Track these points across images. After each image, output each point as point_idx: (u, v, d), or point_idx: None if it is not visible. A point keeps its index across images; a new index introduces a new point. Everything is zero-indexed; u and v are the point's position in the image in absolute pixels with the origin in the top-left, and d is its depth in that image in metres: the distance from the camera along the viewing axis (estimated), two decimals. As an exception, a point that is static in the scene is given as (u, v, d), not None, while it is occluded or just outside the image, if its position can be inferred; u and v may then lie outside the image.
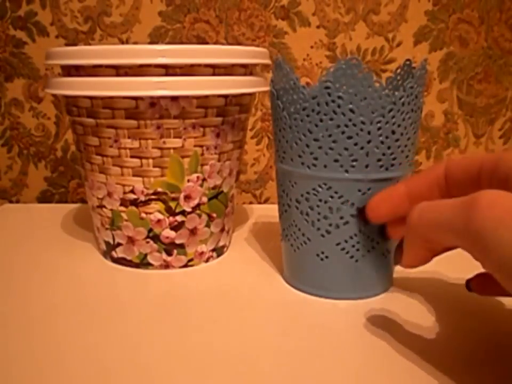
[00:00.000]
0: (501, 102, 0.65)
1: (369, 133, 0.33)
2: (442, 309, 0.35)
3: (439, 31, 0.62)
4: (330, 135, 0.33)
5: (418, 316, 0.34)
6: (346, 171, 0.33)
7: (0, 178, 0.65)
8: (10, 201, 0.66)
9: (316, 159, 0.34)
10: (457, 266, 0.38)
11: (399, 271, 0.39)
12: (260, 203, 0.67)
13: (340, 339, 0.31)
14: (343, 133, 0.33)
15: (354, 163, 0.33)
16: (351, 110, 0.32)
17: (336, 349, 0.30)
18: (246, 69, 0.40)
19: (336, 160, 0.33)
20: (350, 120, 0.32)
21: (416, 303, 0.36)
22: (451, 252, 0.30)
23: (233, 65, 0.38)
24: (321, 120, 0.33)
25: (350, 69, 0.32)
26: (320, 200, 0.34)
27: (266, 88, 0.41)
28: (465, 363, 0.28)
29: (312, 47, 0.61)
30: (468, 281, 0.33)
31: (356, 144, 0.33)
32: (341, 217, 0.34)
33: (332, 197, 0.34)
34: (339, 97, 0.32)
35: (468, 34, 0.62)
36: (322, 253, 0.35)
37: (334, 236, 0.35)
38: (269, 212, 0.58)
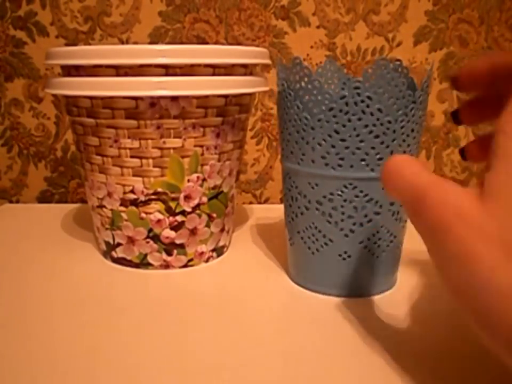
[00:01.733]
0: (501, 102, 0.65)
1: (394, 131, 0.33)
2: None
3: (439, 31, 0.62)
4: (358, 135, 0.33)
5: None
6: (372, 170, 0.34)
7: (0, 178, 0.65)
8: (10, 201, 0.66)
9: (342, 159, 0.33)
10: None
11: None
12: (259, 203, 0.67)
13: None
14: (370, 132, 0.33)
15: (379, 162, 0.33)
16: (379, 110, 0.32)
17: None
18: (246, 69, 0.40)
19: (362, 160, 0.33)
20: (378, 119, 0.32)
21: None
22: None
23: (233, 65, 0.38)
24: (349, 120, 0.33)
25: (380, 69, 0.32)
26: (345, 200, 0.34)
27: (266, 88, 0.41)
28: (467, 361, 0.28)
29: (312, 47, 0.61)
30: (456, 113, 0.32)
31: (382, 143, 0.33)
32: (365, 215, 0.34)
33: (357, 196, 0.34)
34: (368, 97, 0.32)
35: (468, 34, 0.62)
36: (345, 252, 0.35)
37: (358, 234, 0.35)
38: (268, 212, 0.58)
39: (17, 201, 0.66)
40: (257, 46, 0.61)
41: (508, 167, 0.22)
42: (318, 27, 0.61)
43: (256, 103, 0.63)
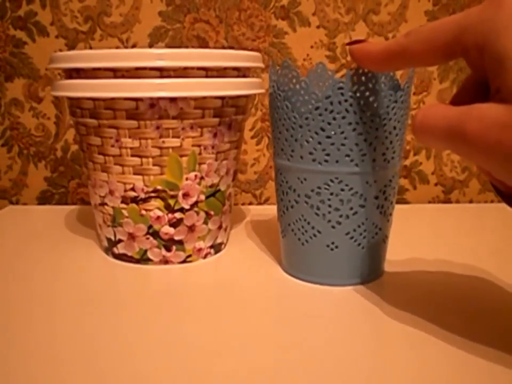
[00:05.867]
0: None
1: (377, 129, 0.37)
2: (443, 289, 0.38)
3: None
4: (342, 132, 0.37)
5: (421, 293, 0.37)
6: (356, 165, 0.37)
7: (0, 178, 0.68)
8: (10, 201, 0.69)
9: (328, 155, 0.37)
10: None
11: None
12: (260, 203, 0.70)
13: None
14: (354, 130, 0.36)
15: (363, 157, 0.37)
16: (362, 108, 0.36)
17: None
18: (239, 72, 0.43)
19: (347, 155, 0.37)
20: (360, 118, 0.36)
21: (414, 281, 0.39)
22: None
23: (225, 68, 0.42)
24: (334, 119, 0.36)
25: (362, 68, 0.35)
26: (331, 194, 0.38)
27: (262, 91, 0.45)
28: (455, 345, 0.31)
29: (312, 47, 0.65)
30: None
31: (365, 140, 0.37)
32: (351, 208, 0.38)
33: (342, 190, 0.38)
34: (351, 96, 0.36)
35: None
36: (333, 243, 0.39)
37: (344, 226, 0.39)
38: (266, 211, 0.61)
39: (17, 201, 0.69)
40: (257, 46, 0.64)
41: None
42: (318, 27, 0.64)
43: (256, 103, 0.66)
